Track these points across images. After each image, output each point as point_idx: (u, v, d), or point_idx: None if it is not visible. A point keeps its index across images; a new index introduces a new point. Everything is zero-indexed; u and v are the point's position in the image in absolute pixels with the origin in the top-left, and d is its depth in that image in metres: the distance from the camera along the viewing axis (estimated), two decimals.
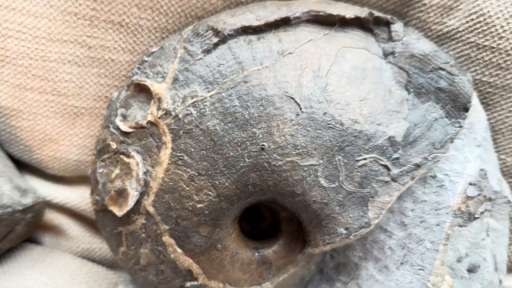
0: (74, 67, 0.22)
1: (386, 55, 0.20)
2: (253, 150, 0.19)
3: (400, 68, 0.20)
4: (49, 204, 0.25)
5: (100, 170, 0.21)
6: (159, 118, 0.20)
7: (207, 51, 0.20)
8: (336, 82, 0.19)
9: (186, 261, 0.20)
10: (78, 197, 0.25)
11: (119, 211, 0.20)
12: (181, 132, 0.19)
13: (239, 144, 0.19)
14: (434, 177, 0.22)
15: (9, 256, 0.25)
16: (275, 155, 0.19)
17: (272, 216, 0.23)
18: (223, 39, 0.20)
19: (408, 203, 0.22)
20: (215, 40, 0.20)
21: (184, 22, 0.22)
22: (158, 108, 0.20)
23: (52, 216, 0.26)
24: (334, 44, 0.20)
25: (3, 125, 0.24)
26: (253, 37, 0.20)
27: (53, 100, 0.23)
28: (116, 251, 0.22)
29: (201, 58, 0.20)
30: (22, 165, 0.26)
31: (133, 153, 0.20)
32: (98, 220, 0.22)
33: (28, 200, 0.23)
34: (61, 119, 0.23)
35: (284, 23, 0.20)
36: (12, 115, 0.23)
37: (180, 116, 0.19)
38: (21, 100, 0.23)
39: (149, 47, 0.22)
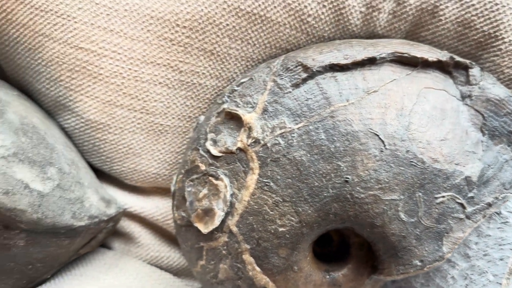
0: (164, 88, 0.23)
1: (463, 97, 0.21)
2: (337, 181, 0.20)
3: (476, 110, 0.21)
4: (124, 213, 0.27)
5: (189, 189, 0.22)
6: (248, 145, 0.21)
7: (296, 85, 0.21)
8: (418, 121, 0.20)
9: (263, 279, 0.22)
10: (153, 207, 0.27)
11: (204, 228, 0.22)
12: (268, 160, 0.21)
13: (324, 175, 0.20)
14: (499, 213, 0.23)
15: (84, 259, 0.27)
16: (358, 188, 0.20)
17: (341, 240, 0.24)
18: (312, 74, 0.21)
19: (472, 236, 0.23)
20: (304, 75, 0.21)
21: (268, 53, 0.23)
22: (248, 136, 0.21)
23: (124, 224, 0.28)
24: (416, 84, 0.21)
25: (88, 137, 0.25)
26: (339, 74, 0.21)
27: (140, 118, 0.24)
28: (195, 263, 0.23)
29: (290, 92, 0.21)
30: (100, 175, 0.28)
31: (222, 176, 0.21)
32: (179, 234, 0.23)
33: (112, 211, 0.24)
34: (146, 135, 0.24)
35: (369, 62, 0.21)
36: (98, 129, 0.25)
37: (268, 145, 0.21)
38: (110, 115, 0.24)
39: (234, 74, 0.24)
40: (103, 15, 0.23)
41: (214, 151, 0.22)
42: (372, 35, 0.23)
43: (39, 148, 0.22)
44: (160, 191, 0.27)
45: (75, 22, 0.23)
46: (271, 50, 0.23)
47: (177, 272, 0.28)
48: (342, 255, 0.24)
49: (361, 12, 0.23)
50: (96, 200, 0.24)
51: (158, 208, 0.27)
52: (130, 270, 0.26)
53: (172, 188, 0.24)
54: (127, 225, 0.27)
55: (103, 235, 0.26)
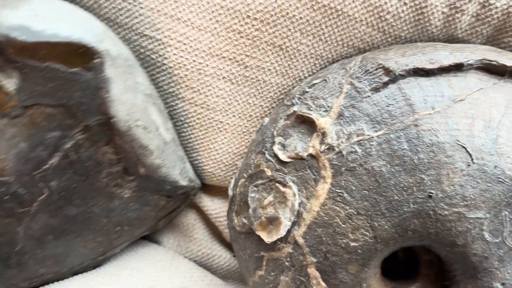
0: (228, 83, 0.22)
1: None
2: (420, 196, 0.18)
3: None
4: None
5: (252, 195, 0.21)
6: (321, 152, 0.20)
7: (376, 89, 0.20)
8: (506, 135, 0.19)
9: None
10: (208, 202, 0.25)
11: (267, 238, 0.20)
12: (343, 169, 0.19)
13: (405, 188, 0.19)
14: None
15: (135, 250, 0.26)
16: (442, 204, 0.18)
17: (407, 256, 0.23)
18: (394, 78, 0.20)
19: None
20: (385, 79, 0.20)
21: (340, 51, 0.22)
22: (321, 142, 0.20)
23: (181, 214, 0.26)
24: (504, 94, 0.20)
25: None
26: (423, 79, 0.20)
27: (201, 113, 0.23)
28: (252, 273, 0.22)
29: (369, 96, 0.20)
30: None
31: (290, 183, 0.20)
32: (236, 240, 0.22)
33: (196, 182, 0.24)
34: (205, 132, 0.23)
35: (455, 68, 0.20)
36: None
37: (343, 152, 0.19)
38: (171, 107, 0.23)
39: (302, 72, 0.22)
40: (170, 1, 0.22)
41: (283, 156, 0.20)
42: (451, 38, 0.22)
43: (161, 100, 0.22)
44: (215, 189, 0.25)
45: (141, 7, 0.22)
46: (343, 48, 0.22)
47: (226, 273, 0.27)
48: (409, 273, 0.22)
49: (443, 12, 0.21)
50: (190, 169, 0.24)
51: (212, 204, 0.25)
52: (183, 272, 0.25)
53: (231, 192, 0.22)
54: (183, 214, 0.26)
55: (176, 213, 0.25)
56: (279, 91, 0.22)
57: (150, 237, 0.27)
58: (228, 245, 0.26)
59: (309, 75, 0.22)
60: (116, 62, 0.20)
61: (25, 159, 0.20)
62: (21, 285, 0.22)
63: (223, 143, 0.23)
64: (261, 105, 0.23)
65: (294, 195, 0.20)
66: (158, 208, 0.23)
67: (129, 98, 0.20)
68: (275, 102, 0.23)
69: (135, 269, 0.23)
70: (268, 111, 0.23)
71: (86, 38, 0.19)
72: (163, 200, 0.22)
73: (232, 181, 0.22)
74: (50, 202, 0.21)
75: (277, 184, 0.20)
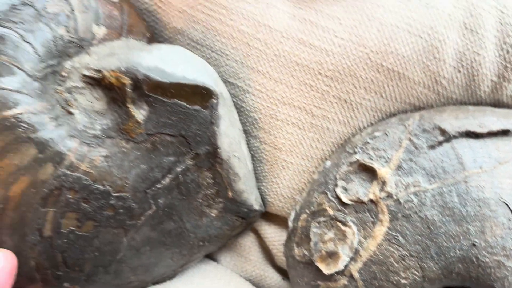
0: (295, 128, 0.25)
1: None
2: (465, 244, 0.21)
3: None
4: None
5: (314, 230, 0.23)
6: (380, 198, 0.22)
7: (432, 147, 0.22)
8: None
9: None
10: (265, 228, 0.28)
11: (326, 269, 0.23)
12: (399, 215, 0.22)
13: (453, 236, 0.21)
14: None
15: (195, 266, 0.28)
16: (484, 252, 0.21)
17: None
18: (448, 138, 0.22)
19: None
20: (441, 138, 0.22)
21: (397, 107, 0.25)
22: (381, 190, 0.22)
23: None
24: None
25: None
26: (474, 141, 0.22)
27: (269, 151, 0.26)
28: None
29: (425, 152, 0.22)
30: None
31: (350, 223, 0.23)
32: (295, 268, 0.25)
33: (263, 209, 0.27)
34: (270, 167, 0.26)
35: (502, 133, 0.22)
36: None
37: (401, 200, 0.22)
38: (243, 143, 0.26)
39: (361, 122, 0.25)
40: (253, 56, 0.25)
41: (345, 199, 0.23)
42: (497, 103, 0.25)
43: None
44: (272, 216, 0.29)
45: (227, 59, 0.25)
46: (401, 105, 0.25)
47: None
48: None
49: (492, 80, 0.24)
50: (258, 194, 0.27)
51: (268, 229, 0.28)
52: None
53: (291, 224, 0.25)
54: (241, 236, 0.29)
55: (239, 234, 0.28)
56: (340, 137, 0.25)
57: (209, 255, 0.29)
58: (279, 268, 0.29)
59: (368, 126, 0.25)
60: (225, 102, 0.24)
61: (142, 178, 0.23)
62: None
63: (285, 179, 0.26)
64: (322, 149, 0.26)
65: (353, 234, 0.23)
66: (233, 228, 0.26)
67: (231, 132, 0.24)
68: (335, 147, 0.26)
69: (200, 285, 0.26)
70: (329, 155, 0.26)
71: (207, 82, 0.23)
72: (238, 221, 0.25)
73: (292, 214, 0.25)
74: (154, 217, 0.24)
75: (338, 223, 0.23)
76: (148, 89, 0.22)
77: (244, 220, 0.26)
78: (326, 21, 0.24)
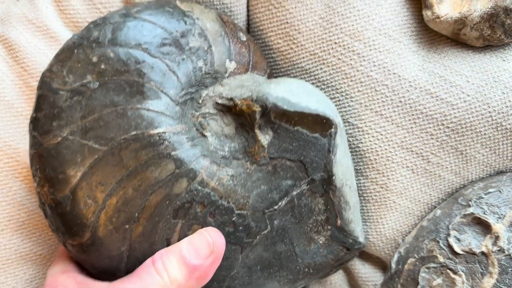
0: (409, 172, 0.27)
1: None
2: None
3: None
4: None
5: (423, 275, 0.25)
6: (492, 251, 0.24)
7: None
8: None
9: None
10: (359, 267, 0.30)
11: None
12: (509, 269, 0.23)
13: None
14: None
15: None
16: None
17: None
18: None
19: None
20: None
21: (505, 164, 0.27)
22: (494, 244, 0.24)
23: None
24: None
25: None
26: None
27: (379, 192, 0.28)
28: None
29: None
30: None
31: (461, 272, 0.24)
32: None
33: (365, 245, 0.27)
34: (377, 208, 0.28)
35: None
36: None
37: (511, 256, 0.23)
38: (356, 181, 0.28)
39: (471, 174, 0.27)
40: (378, 101, 0.26)
41: (457, 249, 0.25)
42: None
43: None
44: (367, 255, 0.30)
45: (352, 101, 0.26)
46: (510, 162, 0.26)
47: None
48: None
49: None
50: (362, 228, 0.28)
51: (363, 269, 0.29)
52: None
53: (394, 266, 0.27)
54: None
55: (337, 268, 0.28)
56: (448, 186, 0.27)
57: None
58: None
59: (476, 178, 0.27)
60: (341, 132, 0.26)
61: (262, 199, 0.25)
62: None
63: (390, 220, 0.28)
64: (430, 194, 0.27)
65: (463, 282, 0.24)
66: (337, 258, 0.27)
67: (345, 161, 0.26)
68: (442, 193, 0.27)
69: None
70: (435, 201, 0.27)
71: (327, 112, 0.25)
72: (342, 251, 0.27)
73: (396, 256, 0.27)
74: (268, 237, 0.26)
75: (448, 270, 0.25)
76: (274, 116, 0.25)
77: (348, 251, 0.27)
78: (455, 77, 0.26)
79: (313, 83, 0.27)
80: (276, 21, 0.27)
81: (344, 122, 0.27)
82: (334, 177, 0.25)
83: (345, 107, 0.27)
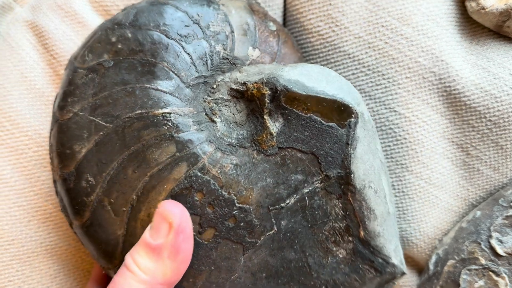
0: (449, 163, 0.26)
1: None
2: None
3: None
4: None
5: (464, 277, 0.24)
6: None
7: None
8: None
9: None
10: None
11: None
12: None
13: None
14: None
15: None
16: None
17: None
18: None
19: None
20: None
21: None
22: None
23: None
24: None
25: None
26: None
27: (423, 187, 0.26)
28: None
29: None
30: None
31: (504, 274, 0.23)
32: None
33: (403, 270, 0.23)
34: (422, 205, 0.27)
35: None
36: None
37: None
38: (397, 178, 0.27)
39: (509, 171, 0.26)
40: (425, 88, 0.25)
41: (500, 250, 0.24)
42: None
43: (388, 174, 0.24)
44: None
45: (399, 88, 0.25)
46: None
47: None
48: None
49: None
50: (400, 248, 0.24)
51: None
52: None
53: (432, 267, 0.25)
54: None
55: None
56: (486, 182, 0.26)
57: None
58: None
59: None
60: (365, 125, 0.23)
61: (267, 193, 0.22)
62: None
63: (432, 217, 0.27)
64: (468, 189, 0.26)
65: (506, 285, 0.23)
66: (363, 281, 0.23)
67: (369, 159, 0.23)
68: (480, 190, 0.26)
69: None
70: (472, 197, 0.27)
71: (347, 99, 0.22)
72: (371, 273, 0.23)
73: (434, 258, 0.25)
74: (274, 240, 0.23)
75: (490, 273, 0.24)
76: (285, 100, 0.22)
77: (378, 274, 0.23)
78: (498, 69, 0.25)
79: (356, 68, 0.26)
80: (318, 3, 0.26)
81: (391, 111, 0.25)
82: (352, 176, 0.22)
83: (391, 94, 0.25)
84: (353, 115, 0.22)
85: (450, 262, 0.25)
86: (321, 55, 0.26)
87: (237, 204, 0.22)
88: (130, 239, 0.22)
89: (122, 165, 0.22)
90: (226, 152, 0.23)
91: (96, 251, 0.23)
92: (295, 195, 0.22)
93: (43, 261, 0.27)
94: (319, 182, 0.22)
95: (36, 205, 0.27)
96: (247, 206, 0.22)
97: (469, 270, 0.24)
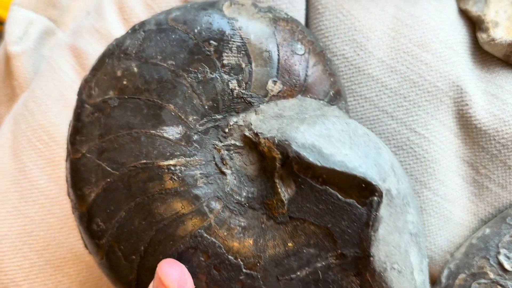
0: (461, 180, 0.28)
1: None
2: None
3: None
4: None
5: None
6: None
7: None
8: None
9: None
10: None
11: None
12: None
13: None
14: None
15: None
16: None
17: None
18: None
19: None
20: None
21: None
22: None
23: None
24: None
25: None
26: None
27: (439, 202, 0.28)
28: None
29: None
30: None
31: None
32: None
33: None
34: (437, 219, 0.28)
35: None
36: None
37: None
38: (417, 194, 0.28)
39: None
40: (443, 111, 0.27)
41: (507, 266, 0.25)
42: None
43: (423, 237, 0.22)
44: None
45: (419, 110, 0.28)
46: None
47: None
48: None
49: None
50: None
51: None
52: None
53: (444, 280, 0.27)
54: None
55: None
56: (494, 198, 0.28)
57: None
58: None
59: None
60: (392, 201, 0.21)
61: (276, 263, 0.21)
62: None
63: (446, 231, 0.28)
64: (477, 204, 0.28)
65: None
66: None
67: (393, 239, 0.21)
68: (489, 206, 0.28)
69: None
70: (482, 212, 0.29)
71: (370, 173, 0.20)
72: None
73: (446, 271, 0.27)
74: None
75: (498, 286, 0.25)
76: (298, 168, 0.20)
77: None
78: (506, 95, 0.28)
79: (380, 90, 0.27)
80: (344, 28, 0.28)
81: (411, 131, 0.27)
82: (372, 259, 0.20)
83: (412, 115, 0.27)
84: (376, 193, 0.20)
85: (461, 276, 0.26)
86: (345, 76, 0.28)
87: (243, 270, 0.21)
88: (141, 285, 0.22)
89: (129, 214, 0.21)
90: (234, 212, 0.21)
91: (115, 285, 0.23)
92: (307, 268, 0.21)
93: (72, 267, 0.28)
94: (335, 258, 0.20)
95: (68, 212, 0.28)
96: (255, 273, 0.21)
97: (478, 283, 0.26)
